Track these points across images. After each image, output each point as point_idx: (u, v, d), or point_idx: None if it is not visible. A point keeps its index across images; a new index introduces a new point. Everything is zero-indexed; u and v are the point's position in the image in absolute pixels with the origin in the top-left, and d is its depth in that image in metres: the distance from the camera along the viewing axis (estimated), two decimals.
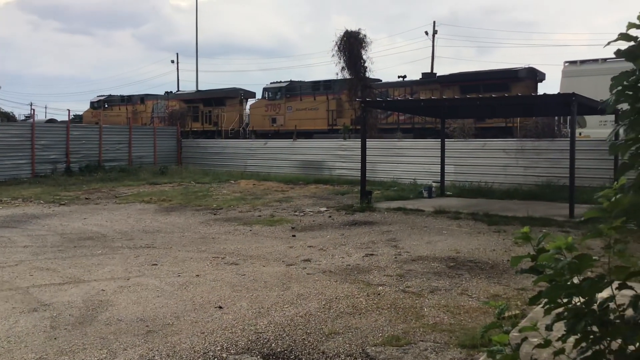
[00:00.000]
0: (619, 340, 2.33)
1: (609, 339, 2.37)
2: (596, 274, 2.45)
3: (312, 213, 13.96)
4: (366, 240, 10.35)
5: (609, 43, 2.24)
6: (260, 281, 7.35)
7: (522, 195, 16.70)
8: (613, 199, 2.44)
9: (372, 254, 9.04)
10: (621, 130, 2.35)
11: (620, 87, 2.24)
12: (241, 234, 11.12)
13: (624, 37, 2.20)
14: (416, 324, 5.64)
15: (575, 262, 2.24)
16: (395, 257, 8.80)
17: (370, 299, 6.48)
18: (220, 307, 6.19)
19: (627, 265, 2.46)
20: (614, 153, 2.34)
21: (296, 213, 13.98)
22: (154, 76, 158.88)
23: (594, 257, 2.66)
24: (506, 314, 5.92)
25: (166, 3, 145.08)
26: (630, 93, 2.28)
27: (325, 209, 14.64)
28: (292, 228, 11.77)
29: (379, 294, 6.69)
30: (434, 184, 17.92)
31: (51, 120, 39.76)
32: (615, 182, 2.46)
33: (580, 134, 19.21)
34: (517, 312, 5.69)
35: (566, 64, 22.31)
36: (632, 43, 2.21)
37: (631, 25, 2.21)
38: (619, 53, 2.22)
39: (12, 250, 9.51)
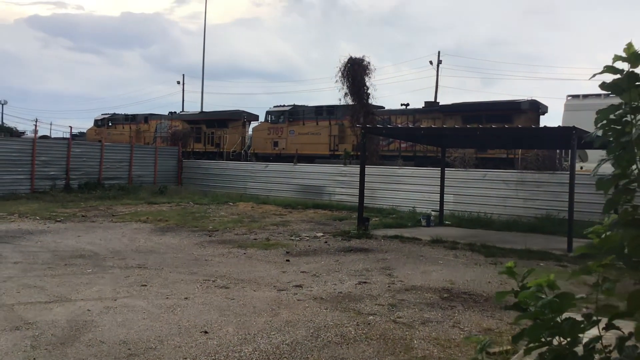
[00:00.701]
0: None
1: None
2: (584, 313, 2.36)
3: (308, 238, 13.85)
4: (360, 267, 10.23)
5: (594, 75, 2.18)
6: (249, 306, 7.23)
7: (521, 227, 16.56)
8: (603, 235, 2.37)
9: (365, 282, 8.92)
10: (609, 165, 2.28)
11: (605, 121, 2.17)
12: (235, 257, 11.00)
13: (609, 69, 2.14)
14: (404, 356, 5.51)
15: (556, 300, 2.15)
16: (389, 286, 8.67)
17: (359, 329, 6.35)
18: (206, 332, 6.07)
19: (615, 305, 2.37)
20: (600, 189, 2.26)
21: (292, 237, 13.87)
22: (159, 96, 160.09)
23: (579, 296, 2.58)
24: (497, 350, 5.81)
25: (175, 25, 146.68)
26: (617, 127, 2.21)
27: (321, 234, 14.53)
28: (287, 252, 11.65)
29: (369, 324, 6.56)
30: (432, 213, 17.82)
31: (44, 137, 39.80)
32: (606, 218, 2.39)
33: (581, 167, 19.15)
34: (509, 347, 5.56)
35: (569, 98, 22.37)
36: (618, 76, 2.14)
37: (617, 58, 2.15)
38: (603, 86, 2.16)
39: (1, 266, 9.40)
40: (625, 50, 2.17)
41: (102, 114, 45.53)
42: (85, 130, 45.84)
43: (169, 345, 5.61)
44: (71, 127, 32.79)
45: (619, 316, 2.30)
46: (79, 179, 25.20)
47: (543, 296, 2.22)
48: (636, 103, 2.18)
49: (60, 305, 7.01)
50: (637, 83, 2.14)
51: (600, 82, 2.33)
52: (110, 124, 43.22)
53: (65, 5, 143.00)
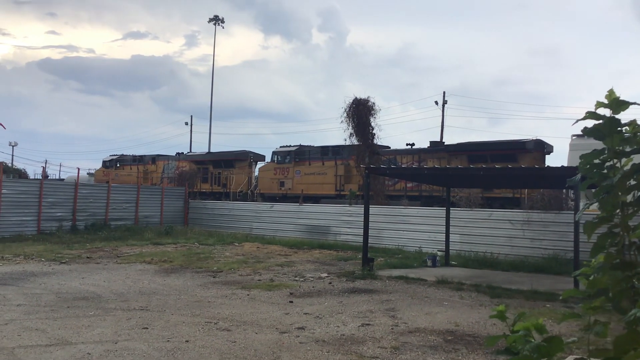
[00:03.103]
0: None
1: None
2: (576, 358, 2.35)
3: (312, 279, 13.77)
4: (364, 308, 10.14)
5: (577, 121, 2.22)
6: (251, 349, 7.17)
7: (527, 268, 16.41)
8: (591, 278, 2.38)
9: (368, 324, 8.83)
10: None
11: (588, 165, 2.20)
12: (238, 299, 10.94)
13: (591, 115, 2.19)
14: None
15: (544, 345, 2.14)
16: (392, 328, 8.59)
17: None
18: None
19: (607, 348, 2.36)
20: (586, 233, 2.27)
21: (296, 278, 13.80)
22: (168, 137, 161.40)
23: (572, 339, 2.57)
24: None
25: (184, 68, 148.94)
26: (602, 171, 2.24)
27: (326, 274, 14.45)
28: (291, 294, 11.58)
29: None
30: (438, 253, 17.72)
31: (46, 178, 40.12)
32: (593, 261, 2.40)
33: (588, 207, 19.04)
34: None
35: (573, 137, 22.41)
36: (600, 121, 2.18)
37: (599, 105, 2.19)
38: (585, 131, 2.19)
39: (4, 308, 9.39)
40: (607, 96, 2.22)
41: (110, 155, 45.98)
42: (94, 171, 46.18)
43: None
44: (79, 169, 32.96)
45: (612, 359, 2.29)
46: (86, 220, 25.32)
47: (532, 340, 2.22)
48: (619, 148, 2.22)
49: (60, 349, 6.97)
50: (619, 128, 2.18)
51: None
52: (118, 165, 43.60)
53: (77, 49, 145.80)
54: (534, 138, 26.18)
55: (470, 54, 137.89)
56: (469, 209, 20.97)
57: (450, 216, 18.69)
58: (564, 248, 17.33)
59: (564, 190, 21.88)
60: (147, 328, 8.22)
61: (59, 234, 23.03)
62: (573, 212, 15.09)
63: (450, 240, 18.46)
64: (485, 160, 24.59)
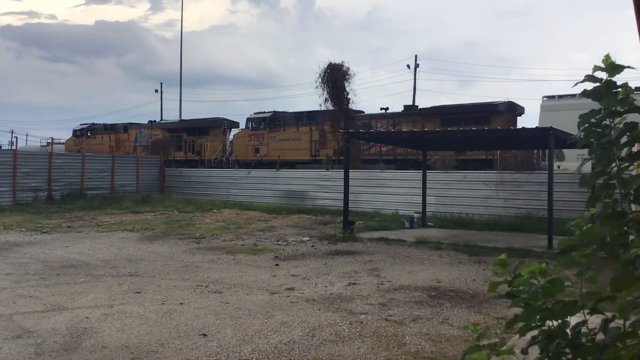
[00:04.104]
0: None
1: None
2: (570, 300, 2.60)
3: (295, 242, 14.05)
4: (349, 269, 10.46)
5: (576, 84, 2.43)
6: (244, 309, 7.41)
7: (502, 227, 16.93)
8: (584, 228, 2.62)
9: (354, 283, 9.14)
10: (590, 164, 2.53)
11: (587, 124, 2.42)
12: (225, 263, 11.16)
13: (589, 78, 2.40)
14: (398, 351, 5.74)
15: (548, 286, 2.39)
16: (378, 286, 8.91)
17: (353, 327, 6.57)
18: (205, 335, 6.24)
19: (598, 291, 2.62)
20: (583, 186, 2.51)
21: (279, 242, 14.05)
22: (137, 105, 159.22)
23: (567, 284, 2.83)
24: (486, 342, 6.07)
25: (150, 33, 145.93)
26: (597, 130, 2.47)
27: (308, 238, 14.73)
28: (276, 257, 11.84)
29: (362, 322, 6.78)
30: (415, 215, 18.12)
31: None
32: (587, 212, 2.63)
33: (559, 167, 19.60)
34: (497, 340, 5.82)
35: (544, 99, 22.84)
36: (597, 84, 2.40)
37: (597, 68, 2.40)
38: (584, 93, 2.41)
39: None
40: (603, 61, 2.43)
41: (80, 124, 45.26)
42: (64, 141, 45.48)
43: (170, 349, 5.78)
44: (52, 139, 32.50)
45: (602, 300, 2.55)
46: (62, 190, 25.13)
47: (535, 282, 2.46)
48: (614, 108, 2.44)
49: (58, 314, 7.12)
50: (614, 90, 2.40)
51: (570, 95, 2.59)
52: (89, 134, 42.98)
53: (38, 15, 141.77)
54: (506, 100, 26.62)
55: (440, 16, 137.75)
56: (444, 172, 21.38)
57: (426, 179, 19.06)
58: (536, 207, 17.87)
59: (535, 151, 22.43)
60: (140, 292, 8.39)
61: (35, 204, 22.85)
62: (546, 171, 15.54)
63: (426, 202, 18.85)
64: (458, 123, 24.96)
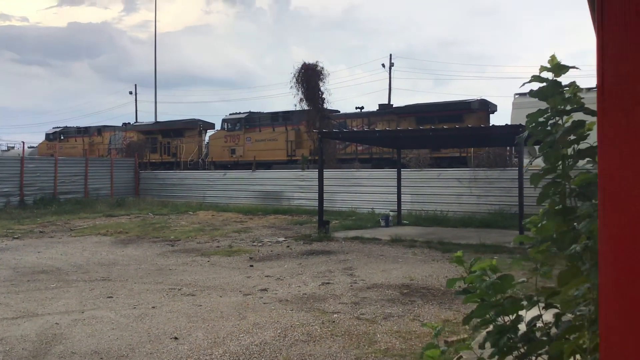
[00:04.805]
0: (545, 357, 2.53)
1: (534, 355, 2.58)
2: (525, 295, 2.66)
3: (270, 243, 14.05)
4: (323, 269, 10.50)
5: (524, 84, 2.50)
6: (217, 311, 7.40)
7: (475, 223, 17.13)
8: (539, 225, 2.68)
9: (328, 283, 9.18)
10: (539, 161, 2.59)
11: (534, 123, 2.49)
12: (199, 265, 11.12)
13: (536, 78, 2.46)
14: (369, 349, 5.79)
15: (498, 282, 2.44)
16: (351, 285, 8.96)
17: (325, 327, 6.61)
18: (176, 338, 6.22)
19: (551, 286, 2.69)
20: (532, 183, 2.57)
21: (254, 243, 14.04)
22: (111, 107, 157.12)
23: (521, 280, 2.89)
24: (455, 338, 6.16)
25: (124, 35, 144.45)
26: (546, 129, 2.53)
27: (283, 239, 14.75)
28: (250, 258, 11.83)
29: (334, 322, 6.82)
30: (391, 213, 18.24)
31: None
32: (541, 209, 2.70)
33: (530, 163, 19.84)
34: (466, 336, 5.90)
35: (516, 96, 23.17)
36: (544, 84, 2.46)
37: (543, 69, 2.47)
38: (531, 93, 2.47)
39: None
40: (549, 61, 2.50)
41: (53, 128, 44.63)
42: (36, 145, 44.82)
43: (141, 353, 5.76)
44: (23, 143, 32.05)
45: (554, 295, 2.62)
46: (34, 195, 24.81)
47: (487, 279, 2.52)
48: (561, 107, 2.51)
49: (27, 320, 7.04)
50: (560, 90, 2.47)
51: (529, 90, 2.66)
52: (62, 138, 42.40)
53: (9, 18, 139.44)
54: (479, 98, 26.88)
55: (415, 15, 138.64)
56: (418, 170, 21.55)
57: (401, 177, 19.20)
58: (508, 203, 18.11)
59: (508, 148, 22.71)
60: (111, 297, 8.33)
61: (7, 209, 22.53)
62: (517, 168, 15.76)
63: (401, 200, 18.99)
64: (433, 121, 25.15)
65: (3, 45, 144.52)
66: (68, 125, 44.12)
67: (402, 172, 19.41)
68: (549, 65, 2.48)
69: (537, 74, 2.47)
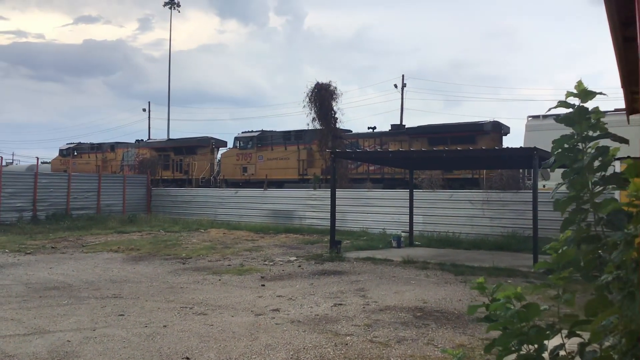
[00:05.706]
0: None
1: None
2: (547, 323, 2.61)
3: (281, 262, 13.99)
4: (335, 289, 10.42)
5: (550, 109, 2.47)
6: (229, 331, 7.35)
7: (488, 246, 16.99)
8: (560, 251, 2.63)
9: (340, 304, 9.11)
10: (564, 188, 2.56)
11: (560, 150, 2.45)
12: (210, 284, 11.08)
13: (562, 104, 2.43)
14: None
15: (524, 310, 2.39)
16: (364, 307, 8.88)
17: (337, 349, 6.53)
18: (188, 358, 6.18)
19: (575, 313, 2.63)
20: (557, 210, 2.53)
21: (266, 262, 13.99)
22: (125, 124, 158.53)
23: (543, 307, 2.83)
24: None
25: (138, 52, 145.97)
26: (570, 154, 2.50)
27: (294, 258, 14.69)
28: (262, 277, 11.78)
29: (347, 344, 6.75)
30: (402, 234, 18.14)
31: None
32: (561, 235, 2.65)
33: (544, 186, 19.74)
34: None
35: (529, 118, 23.06)
36: (570, 110, 2.43)
37: (569, 94, 2.44)
38: (558, 119, 2.44)
39: None
40: (576, 87, 2.47)
41: (67, 144, 44.99)
42: (49, 161, 45.17)
43: None
44: (37, 158, 32.27)
45: (579, 324, 2.57)
46: (47, 210, 24.93)
47: (511, 307, 2.47)
48: (586, 133, 2.48)
49: (39, 337, 7.02)
50: (587, 116, 2.44)
51: (554, 115, 2.63)
52: (75, 154, 42.73)
53: (26, 35, 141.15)
54: (491, 120, 26.82)
55: (427, 36, 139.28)
56: (430, 191, 21.46)
57: (413, 198, 19.13)
58: (522, 226, 17.96)
59: (521, 170, 22.59)
60: (123, 315, 8.31)
61: (20, 224, 22.63)
62: (531, 191, 15.64)
63: (413, 221, 18.90)
64: (445, 142, 25.10)
65: (19, 62, 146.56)
66: (82, 142, 44.50)
67: (414, 192, 19.34)
68: (575, 91, 2.45)
69: (555, 97, 2.48)
